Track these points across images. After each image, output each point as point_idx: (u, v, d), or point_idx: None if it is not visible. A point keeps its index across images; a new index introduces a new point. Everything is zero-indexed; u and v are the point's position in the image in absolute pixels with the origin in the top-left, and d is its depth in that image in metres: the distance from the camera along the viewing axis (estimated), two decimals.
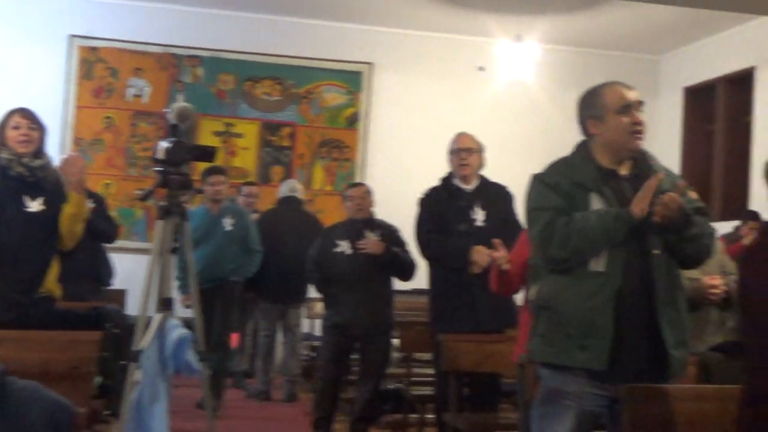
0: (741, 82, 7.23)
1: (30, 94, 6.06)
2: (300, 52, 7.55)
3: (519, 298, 3.54)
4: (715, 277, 3.22)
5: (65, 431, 2.10)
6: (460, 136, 4.12)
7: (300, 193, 6.01)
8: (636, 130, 2.52)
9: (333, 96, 7.70)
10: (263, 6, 7.34)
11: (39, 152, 3.06)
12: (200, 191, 4.87)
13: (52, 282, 3.07)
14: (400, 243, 4.54)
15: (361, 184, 4.88)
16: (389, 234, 4.53)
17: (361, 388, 4.54)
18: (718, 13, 6.30)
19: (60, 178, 3.10)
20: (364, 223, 4.51)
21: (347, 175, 7.53)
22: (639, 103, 2.56)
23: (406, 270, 4.52)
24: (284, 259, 5.44)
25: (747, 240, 5.89)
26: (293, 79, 7.61)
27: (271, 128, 7.58)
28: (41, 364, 2.65)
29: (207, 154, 3.49)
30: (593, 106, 2.57)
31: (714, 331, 3.41)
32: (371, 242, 4.38)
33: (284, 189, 5.99)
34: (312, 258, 4.65)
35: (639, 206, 2.38)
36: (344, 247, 4.45)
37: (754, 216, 6.18)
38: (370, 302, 4.41)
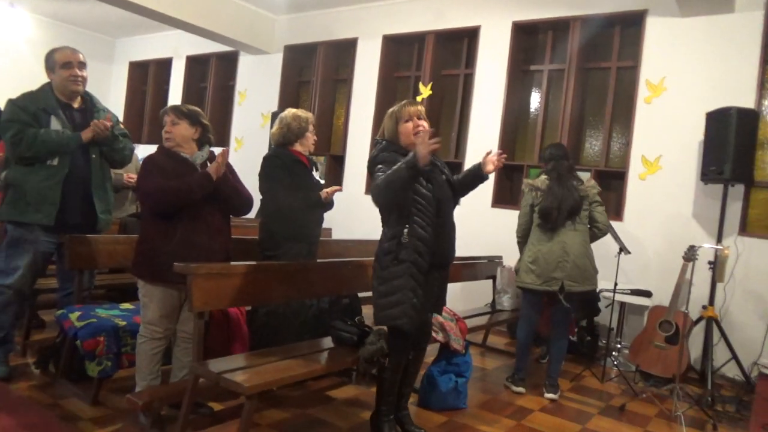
0: (164, 65, 10.29)
1: None
2: None
3: None
4: (130, 174, 4.42)
5: None
6: None
7: None
8: (72, 77, 3.29)
9: None
10: None
11: None
12: None
13: None
14: None
15: None
16: None
17: None
18: (146, 19, 7.94)
19: None
20: None
21: None
22: (80, 63, 3.29)
23: None
24: None
25: None
26: None
27: None
28: None
29: None
30: (48, 61, 3.35)
31: (129, 204, 4.73)
32: None
33: None
34: None
35: (85, 135, 3.25)
36: None
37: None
38: None
